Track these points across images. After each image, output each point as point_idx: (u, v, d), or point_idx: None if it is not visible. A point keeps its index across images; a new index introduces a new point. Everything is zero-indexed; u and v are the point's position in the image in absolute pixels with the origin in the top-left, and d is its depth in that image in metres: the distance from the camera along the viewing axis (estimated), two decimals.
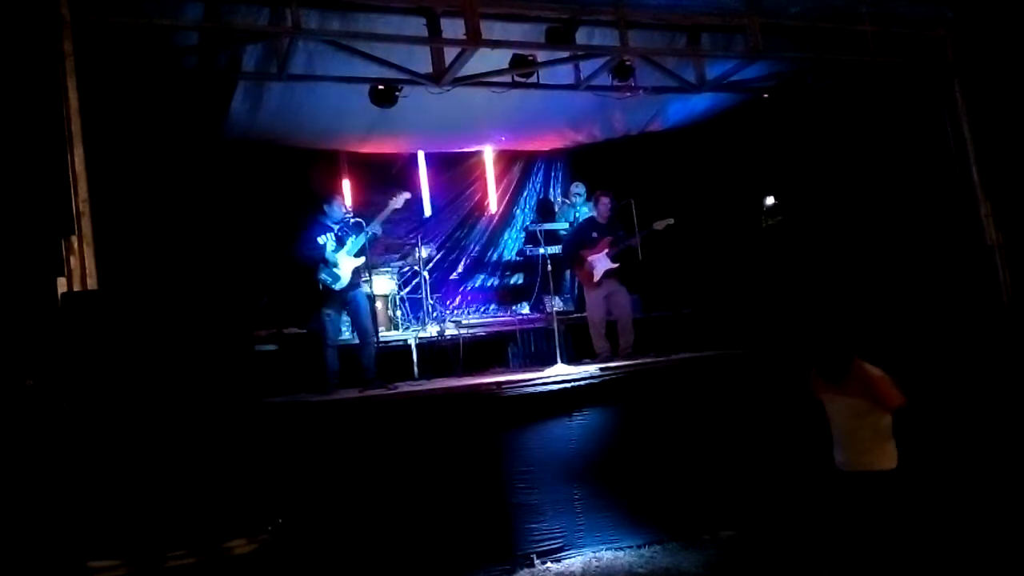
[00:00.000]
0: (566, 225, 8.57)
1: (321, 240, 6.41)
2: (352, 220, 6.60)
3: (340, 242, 6.43)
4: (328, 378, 6.30)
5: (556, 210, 9.19)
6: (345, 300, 6.43)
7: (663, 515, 5.64)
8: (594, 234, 7.36)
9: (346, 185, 8.38)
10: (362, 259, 6.47)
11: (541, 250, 7.98)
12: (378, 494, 4.97)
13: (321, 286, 6.36)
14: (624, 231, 7.22)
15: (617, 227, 7.29)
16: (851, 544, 3.91)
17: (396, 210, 6.75)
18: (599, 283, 7.25)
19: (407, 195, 7.06)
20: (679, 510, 5.67)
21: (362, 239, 6.45)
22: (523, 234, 9.16)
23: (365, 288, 6.58)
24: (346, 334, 6.85)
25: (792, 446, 5.68)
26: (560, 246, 8.15)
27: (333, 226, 6.49)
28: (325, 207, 6.58)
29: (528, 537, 5.36)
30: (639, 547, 5.52)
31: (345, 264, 6.39)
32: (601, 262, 7.23)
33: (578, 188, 8.64)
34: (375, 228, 6.51)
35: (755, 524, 5.60)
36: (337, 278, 6.35)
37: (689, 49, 6.87)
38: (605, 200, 7.35)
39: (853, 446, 3.94)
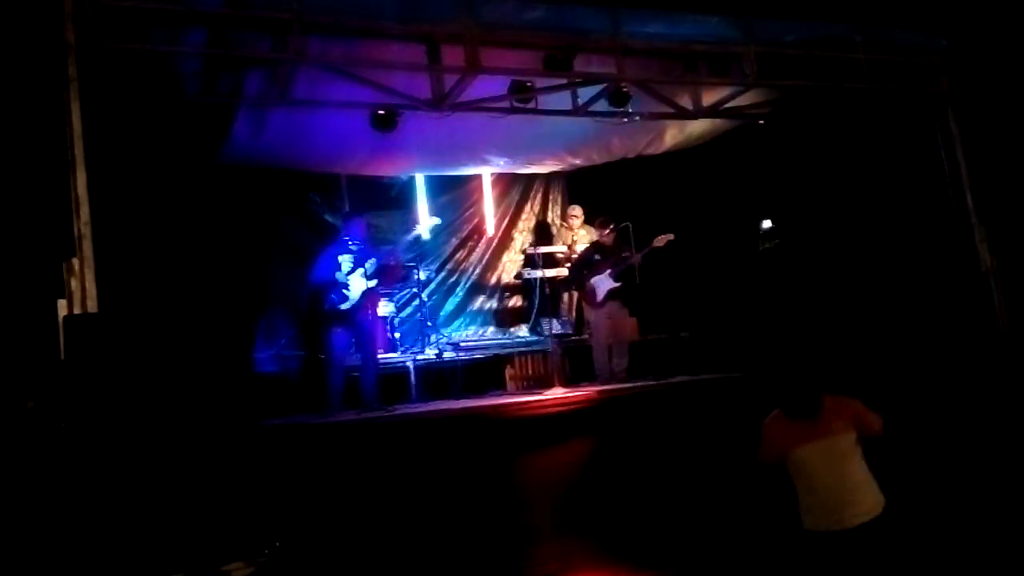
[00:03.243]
0: (564, 248, 8.62)
1: (339, 260, 6.47)
2: (370, 243, 6.68)
3: (358, 263, 6.48)
4: (330, 399, 6.31)
5: (553, 233, 9.24)
6: (353, 321, 6.46)
7: (661, 540, 5.62)
8: (597, 256, 7.50)
9: (345, 207, 8.43)
10: (375, 282, 6.52)
11: (539, 273, 8.02)
12: (376, 517, 4.97)
13: (329, 305, 6.39)
14: (628, 252, 7.32)
15: (621, 249, 7.40)
16: None
17: (417, 236, 6.90)
18: (602, 304, 7.38)
19: (437, 220, 7.20)
20: (677, 535, 5.66)
21: (380, 262, 6.52)
22: (521, 257, 9.21)
23: (376, 311, 6.64)
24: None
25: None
26: (558, 269, 8.20)
27: (352, 247, 6.55)
28: (344, 226, 6.66)
29: (525, 561, 5.34)
30: (637, 572, 5.50)
31: (357, 285, 6.44)
32: (604, 282, 7.38)
33: (575, 211, 8.71)
34: (395, 253, 6.61)
35: (753, 551, 5.59)
36: (346, 298, 6.39)
37: (685, 76, 6.96)
38: (605, 232, 7.52)
39: (846, 496, 3.51)
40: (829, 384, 3.68)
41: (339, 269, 6.43)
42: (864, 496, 3.56)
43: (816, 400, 3.58)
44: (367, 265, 6.47)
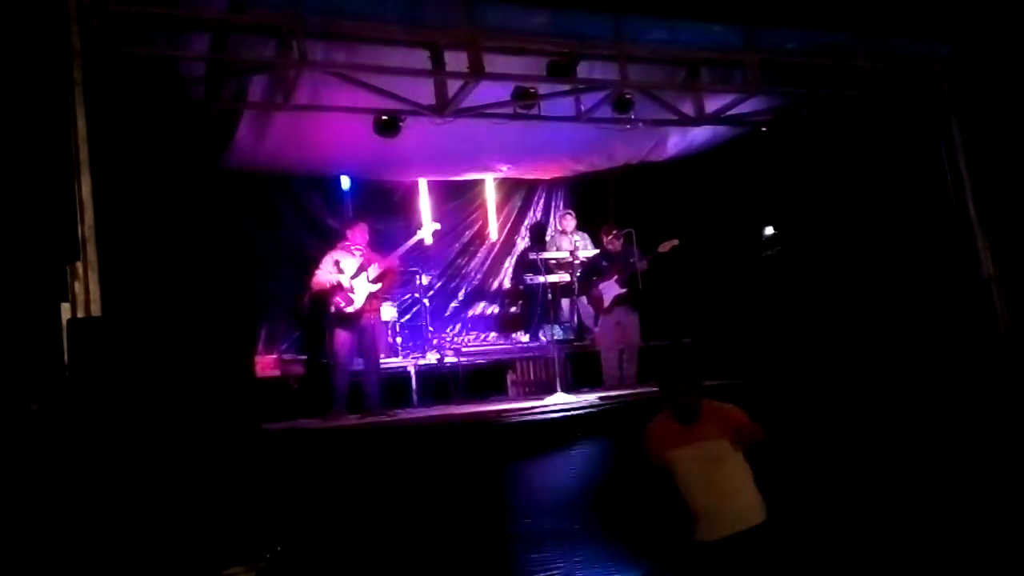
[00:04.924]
0: (567, 254, 8.62)
1: (342, 264, 6.49)
2: (373, 247, 6.69)
3: (362, 267, 6.51)
4: (335, 403, 6.32)
5: (547, 238, 9.25)
6: (357, 325, 6.47)
7: (662, 546, 5.61)
8: (605, 263, 7.56)
9: (347, 212, 8.45)
10: (378, 286, 6.54)
11: (541, 278, 8.03)
12: (376, 522, 4.97)
13: (334, 309, 6.41)
14: (634, 258, 7.36)
15: (629, 255, 7.43)
16: None
17: (420, 241, 6.96)
18: (610, 310, 7.45)
19: (437, 226, 7.24)
20: (677, 538, 5.64)
21: (383, 265, 6.54)
22: (524, 262, 9.21)
23: (380, 315, 6.67)
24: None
25: (790, 477, 5.67)
26: (560, 274, 8.21)
27: (355, 251, 6.58)
28: (348, 232, 6.68)
29: (526, 567, 5.33)
30: None
31: (361, 289, 6.46)
32: (611, 288, 7.43)
33: (568, 217, 8.78)
34: (397, 257, 6.64)
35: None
36: (351, 302, 6.41)
37: (688, 83, 6.98)
38: (614, 240, 7.56)
39: (720, 502, 3.54)
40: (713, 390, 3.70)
41: (343, 273, 6.46)
42: (738, 504, 3.56)
43: (693, 405, 3.59)
44: (371, 269, 6.50)
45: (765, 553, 3.49)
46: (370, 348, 6.53)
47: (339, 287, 6.41)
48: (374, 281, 6.51)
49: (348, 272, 6.48)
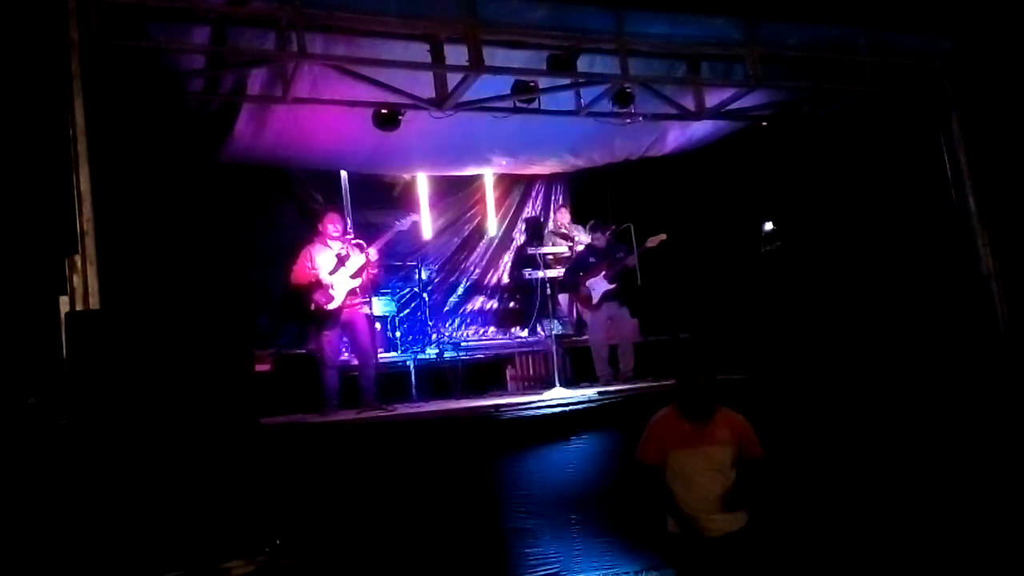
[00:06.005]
0: (566, 249, 8.63)
1: (320, 260, 6.44)
2: (353, 240, 6.63)
3: (341, 262, 6.46)
4: (326, 398, 6.30)
5: (544, 233, 9.25)
6: (342, 321, 6.44)
7: (659, 541, 5.61)
8: (592, 259, 7.54)
9: (347, 207, 8.43)
10: (359, 280, 6.49)
11: (540, 273, 8.03)
12: (375, 516, 4.97)
13: (314, 306, 6.37)
14: (622, 253, 7.34)
15: (616, 251, 7.41)
16: None
17: (400, 232, 6.86)
18: (599, 305, 7.40)
19: (415, 217, 7.15)
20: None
21: (362, 259, 6.48)
22: (522, 257, 9.21)
23: (364, 309, 6.59)
24: (345, 354, 6.86)
25: (791, 473, 5.67)
26: (559, 269, 8.22)
27: (332, 245, 6.53)
28: (327, 227, 6.63)
29: (524, 562, 5.34)
30: (636, 574, 5.50)
31: (341, 284, 6.41)
32: (599, 284, 7.39)
33: (563, 212, 8.76)
34: (375, 249, 6.57)
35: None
36: (331, 298, 6.37)
37: (688, 77, 6.96)
38: (599, 236, 7.57)
39: (714, 504, 3.60)
40: (727, 396, 3.70)
41: (320, 268, 6.39)
42: (728, 509, 3.62)
43: (713, 405, 3.59)
44: (348, 264, 6.44)
45: (745, 554, 3.58)
46: (360, 344, 6.50)
47: (318, 283, 6.35)
48: (354, 276, 6.46)
49: (326, 267, 6.39)
